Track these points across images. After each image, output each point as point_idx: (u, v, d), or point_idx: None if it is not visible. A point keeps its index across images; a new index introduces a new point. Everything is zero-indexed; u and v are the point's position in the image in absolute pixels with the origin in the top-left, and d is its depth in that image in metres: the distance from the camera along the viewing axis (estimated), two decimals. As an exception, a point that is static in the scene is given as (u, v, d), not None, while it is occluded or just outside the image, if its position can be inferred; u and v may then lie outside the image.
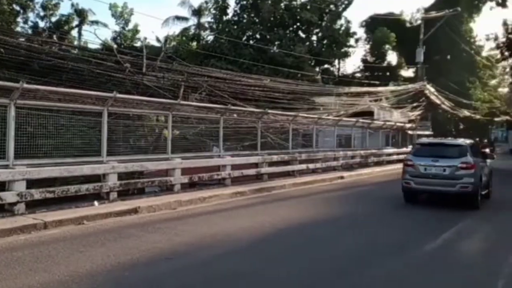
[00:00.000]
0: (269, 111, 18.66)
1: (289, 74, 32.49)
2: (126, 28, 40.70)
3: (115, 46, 28.86)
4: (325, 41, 42.36)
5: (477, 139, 41.42)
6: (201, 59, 32.54)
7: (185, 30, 42.66)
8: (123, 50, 25.34)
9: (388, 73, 48.69)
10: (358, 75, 49.80)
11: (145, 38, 37.98)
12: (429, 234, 9.16)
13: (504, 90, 68.88)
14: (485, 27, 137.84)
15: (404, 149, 32.23)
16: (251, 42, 38.53)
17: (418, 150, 13.88)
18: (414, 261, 7.24)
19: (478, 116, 50.30)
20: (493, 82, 65.05)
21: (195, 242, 7.99)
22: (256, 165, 16.84)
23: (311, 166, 20.13)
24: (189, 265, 6.61)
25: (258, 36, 39.55)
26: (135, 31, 41.07)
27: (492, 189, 14.58)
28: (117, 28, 40.22)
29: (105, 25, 42.97)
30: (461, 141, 14.39)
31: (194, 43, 40.11)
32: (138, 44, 34.98)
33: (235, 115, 17.81)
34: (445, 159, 12.49)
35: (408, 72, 50.99)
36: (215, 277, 6.05)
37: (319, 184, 17.78)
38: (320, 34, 42.67)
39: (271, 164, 17.65)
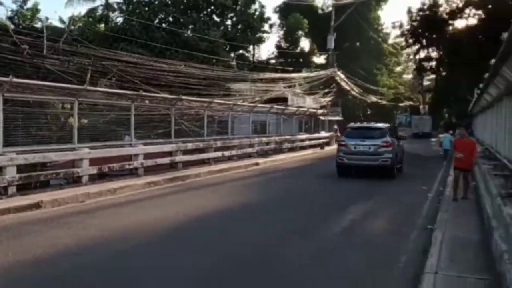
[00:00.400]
0: (183, 97, 18.49)
1: (204, 59, 32.30)
2: (25, 7, 37.55)
3: (12, 26, 26.54)
4: (239, 26, 42.64)
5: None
6: (110, 42, 31.10)
7: (92, 10, 40.35)
8: (22, 31, 23.44)
9: (301, 60, 50.32)
10: (273, 61, 50.87)
11: (47, 18, 35.47)
12: (335, 214, 9.84)
13: (408, 76, 74.37)
14: (391, 15, 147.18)
15: (316, 135, 33.75)
16: (163, 25, 37.62)
17: (349, 132, 17.11)
18: (323, 243, 7.73)
19: (384, 102, 53.88)
20: (398, 69, 69.89)
21: (105, 236, 7.78)
22: (170, 153, 16.67)
23: (226, 153, 20.35)
24: (96, 260, 6.41)
25: (171, 19, 38.72)
26: (35, 10, 38.02)
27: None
28: (14, 7, 36.98)
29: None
30: (382, 125, 18.16)
31: (102, 25, 38.18)
32: (39, 25, 32.44)
33: (147, 101, 17.40)
34: (370, 139, 15.97)
35: (320, 59, 53.17)
36: (122, 272, 5.94)
37: (235, 171, 18.07)
38: (234, 19, 42.85)
39: (186, 152, 17.56)
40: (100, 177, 13.41)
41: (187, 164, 17.26)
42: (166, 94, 19.59)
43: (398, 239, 8.03)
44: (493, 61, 8.71)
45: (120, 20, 38.08)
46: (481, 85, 15.58)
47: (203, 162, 18.46)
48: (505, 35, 5.81)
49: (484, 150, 17.10)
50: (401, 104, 64.99)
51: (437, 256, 6.42)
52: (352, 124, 19.26)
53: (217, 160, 19.32)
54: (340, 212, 10.35)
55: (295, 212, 10.49)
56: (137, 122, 15.47)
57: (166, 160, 16.36)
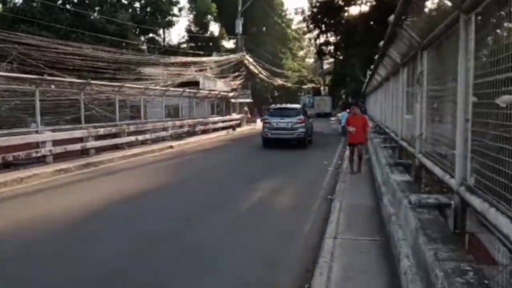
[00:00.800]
0: (92, 81, 17.49)
1: (112, 43, 30.68)
2: None
3: None
4: (148, 9, 41.03)
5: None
6: (8, 24, 28.29)
7: (-14, -11, 36.31)
8: None
9: (211, 44, 49.86)
10: (184, 45, 49.80)
11: None
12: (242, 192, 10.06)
13: (310, 60, 76.84)
14: (294, 1, 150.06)
15: (228, 117, 33.83)
16: (67, 6, 34.95)
17: (272, 112, 20.49)
18: (235, 217, 7.86)
19: (289, 84, 55.38)
20: (302, 53, 71.98)
21: (10, 228, 7.19)
22: (81, 139, 15.74)
23: (140, 137, 19.69)
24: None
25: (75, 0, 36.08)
26: None
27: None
28: None
29: None
30: (296, 105, 22.94)
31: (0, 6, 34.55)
32: None
33: (53, 86, 16.21)
34: (288, 117, 19.27)
35: (229, 43, 53.07)
36: (26, 266, 5.57)
37: (149, 155, 17.59)
38: (143, 1, 41.08)
39: (98, 138, 16.71)
40: (5, 166, 12.32)
41: (100, 150, 16.45)
42: (74, 79, 18.38)
43: (303, 210, 8.40)
44: (381, 43, 9.29)
45: (19, 0, 34.70)
46: (372, 66, 16.68)
47: (116, 147, 17.71)
48: (391, 17, 6.21)
49: (376, 125, 18.40)
50: (304, 86, 67.09)
51: (336, 223, 6.84)
52: (274, 106, 22.64)
53: (131, 145, 18.65)
54: (252, 187, 10.60)
55: (211, 189, 10.56)
56: (44, 108, 14.37)
57: (77, 146, 15.42)
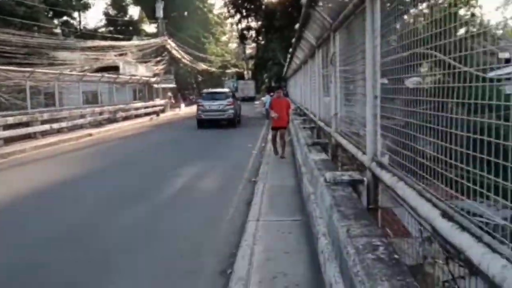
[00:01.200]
0: (-2, 67, 15.88)
1: (23, 26, 28.07)
2: None
3: None
4: (61, -9, 38.04)
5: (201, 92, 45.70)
6: None
7: None
8: None
9: (131, 28, 47.62)
10: (102, 29, 47.04)
11: None
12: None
13: (233, 45, 76.49)
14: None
15: (151, 103, 32.71)
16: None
17: (204, 96, 22.20)
18: (157, 204, 7.52)
19: (213, 69, 54.76)
20: (224, 38, 71.25)
21: None
22: (-14, 130, 14.29)
23: (55, 126, 18.33)
24: None
25: (-24, -21, 32.42)
26: None
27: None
28: None
29: None
30: (226, 89, 25.25)
31: None
32: None
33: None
34: (219, 100, 21.23)
35: (151, 28, 51.00)
36: None
37: (66, 143, 16.43)
38: (55, -18, 37.97)
39: (7, 127, 15.27)
40: None
41: (10, 140, 15.06)
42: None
43: (227, 194, 8.27)
44: (297, 25, 9.28)
45: None
46: (290, 50, 16.83)
47: (29, 137, 16.33)
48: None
49: (296, 108, 18.72)
50: (228, 71, 66.78)
51: (259, 205, 6.78)
52: (206, 90, 24.34)
53: (45, 134, 17.30)
54: (177, 173, 10.27)
55: (132, 177, 10.06)
56: None
57: (-19, 137, 13.98)
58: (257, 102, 43.25)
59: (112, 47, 32.05)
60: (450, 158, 2.07)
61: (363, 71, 3.95)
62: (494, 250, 1.54)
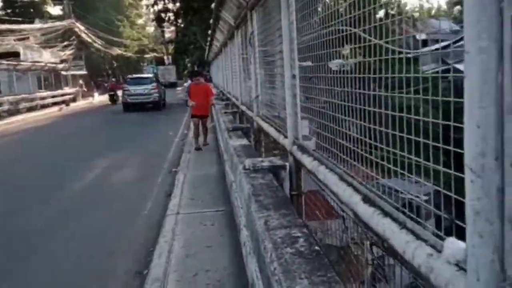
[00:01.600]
0: None
1: None
2: None
3: None
4: None
5: (113, 79, 44.21)
6: None
7: None
8: None
9: (32, 10, 43.91)
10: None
11: None
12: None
13: (151, 29, 73.86)
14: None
15: (60, 91, 30.63)
16: None
17: (129, 81, 23.95)
18: (67, 203, 6.95)
19: (130, 54, 52.52)
20: (140, 21, 68.53)
21: None
22: None
23: None
24: None
25: None
26: None
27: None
28: None
29: None
30: (150, 75, 27.54)
31: None
32: None
33: None
34: (144, 85, 23.03)
35: (55, 10, 47.45)
36: None
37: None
38: None
39: None
40: None
41: None
42: None
43: (145, 186, 7.90)
44: (213, 5, 8.97)
45: None
46: (209, 32, 16.45)
47: None
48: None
49: (219, 92, 18.47)
50: (147, 56, 64.54)
51: (179, 197, 6.51)
52: (131, 76, 26.45)
53: None
54: (91, 165, 9.66)
55: (39, 174, 9.26)
56: None
57: None
58: (179, 88, 42.24)
59: (11, 31, 29.32)
60: (370, 139, 2.00)
61: (281, 50, 3.80)
62: (418, 237, 1.44)
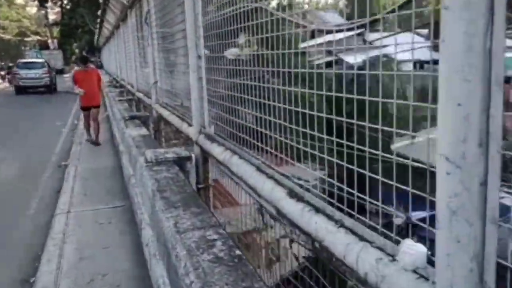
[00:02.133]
0: None
1: None
2: None
3: None
4: None
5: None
6: None
7: None
8: None
9: None
10: None
11: None
12: None
13: (33, 9, 67.20)
14: None
15: None
16: None
17: (19, 65, 24.76)
18: None
19: (8, 37, 47.32)
20: (20, 0, 62.09)
21: None
22: None
23: None
24: None
25: None
26: None
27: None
28: None
29: None
30: (41, 60, 27.56)
31: None
32: None
33: None
34: (35, 69, 24.08)
35: None
36: None
37: None
38: None
39: None
40: None
41: None
42: None
43: (29, 183, 6.99)
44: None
45: None
46: (100, 12, 15.15)
47: None
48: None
49: (112, 79, 17.27)
50: (28, 39, 58.65)
51: (70, 193, 5.82)
52: (22, 60, 27.51)
53: None
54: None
55: None
56: None
57: None
58: (67, 75, 39.01)
59: None
60: (266, 129, 1.95)
61: (184, 29, 3.43)
62: (361, 238, 1.23)
